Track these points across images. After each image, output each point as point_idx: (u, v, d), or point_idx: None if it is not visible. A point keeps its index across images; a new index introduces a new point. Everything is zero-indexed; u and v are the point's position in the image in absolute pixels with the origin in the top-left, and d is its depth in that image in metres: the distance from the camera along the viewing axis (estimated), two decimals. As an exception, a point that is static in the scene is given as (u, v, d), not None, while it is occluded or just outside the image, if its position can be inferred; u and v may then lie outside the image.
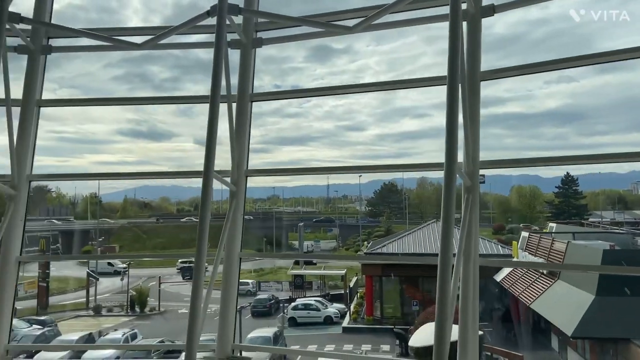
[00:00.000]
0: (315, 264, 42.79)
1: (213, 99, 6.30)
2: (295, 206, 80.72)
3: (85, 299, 40.20)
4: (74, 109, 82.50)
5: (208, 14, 6.66)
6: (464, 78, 5.75)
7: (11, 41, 7.42)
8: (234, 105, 7.14)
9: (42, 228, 46.04)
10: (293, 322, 34.06)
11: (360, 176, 57.85)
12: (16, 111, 7.43)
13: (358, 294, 37.91)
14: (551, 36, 63.54)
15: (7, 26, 6.98)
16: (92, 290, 40.80)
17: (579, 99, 71.44)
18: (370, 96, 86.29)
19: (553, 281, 25.01)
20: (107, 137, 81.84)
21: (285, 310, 35.16)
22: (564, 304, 22.79)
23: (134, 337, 29.06)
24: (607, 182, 62.73)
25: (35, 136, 7.71)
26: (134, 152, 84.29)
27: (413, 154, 79.35)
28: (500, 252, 31.94)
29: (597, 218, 53.60)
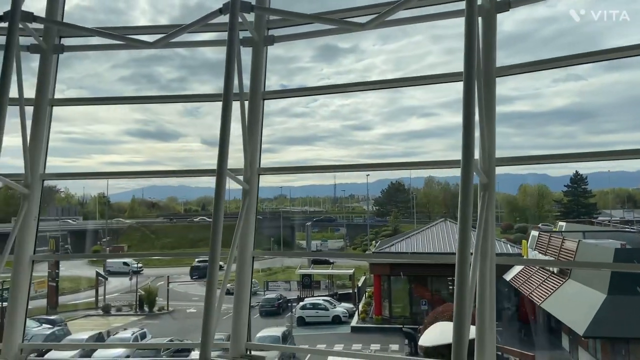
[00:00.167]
0: (332, 263, 42.65)
1: (226, 97, 6.25)
2: (302, 206, 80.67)
3: (94, 299, 40.45)
4: (82, 109, 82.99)
5: (220, 11, 6.64)
6: (479, 74, 5.65)
7: (23, 41, 7.37)
8: (247, 103, 7.09)
9: (52, 228, 46.28)
10: (301, 322, 34.07)
11: (367, 175, 57.82)
12: (28, 111, 7.42)
13: (366, 293, 37.84)
14: (560, 34, 63.06)
15: (20, 25, 6.97)
16: (101, 289, 41.04)
17: (587, 97, 70.90)
18: (377, 95, 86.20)
19: (564, 280, 24.83)
20: (115, 138, 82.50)
21: (294, 310, 35.19)
22: (575, 303, 22.60)
23: (143, 336, 29.25)
24: (617, 181, 62.34)
25: (48, 135, 7.67)
26: (142, 152, 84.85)
27: (420, 153, 79.31)
28: (510, 251, 31.72)
29: (607, 217, 53.22)
